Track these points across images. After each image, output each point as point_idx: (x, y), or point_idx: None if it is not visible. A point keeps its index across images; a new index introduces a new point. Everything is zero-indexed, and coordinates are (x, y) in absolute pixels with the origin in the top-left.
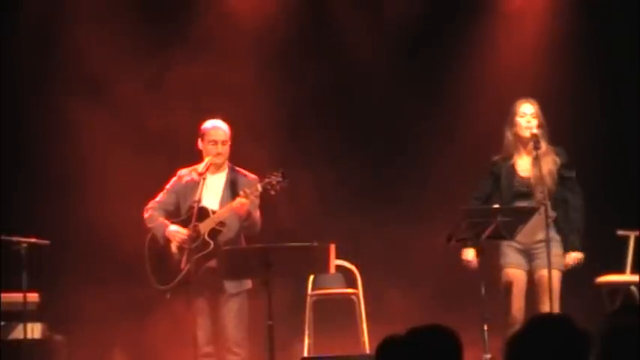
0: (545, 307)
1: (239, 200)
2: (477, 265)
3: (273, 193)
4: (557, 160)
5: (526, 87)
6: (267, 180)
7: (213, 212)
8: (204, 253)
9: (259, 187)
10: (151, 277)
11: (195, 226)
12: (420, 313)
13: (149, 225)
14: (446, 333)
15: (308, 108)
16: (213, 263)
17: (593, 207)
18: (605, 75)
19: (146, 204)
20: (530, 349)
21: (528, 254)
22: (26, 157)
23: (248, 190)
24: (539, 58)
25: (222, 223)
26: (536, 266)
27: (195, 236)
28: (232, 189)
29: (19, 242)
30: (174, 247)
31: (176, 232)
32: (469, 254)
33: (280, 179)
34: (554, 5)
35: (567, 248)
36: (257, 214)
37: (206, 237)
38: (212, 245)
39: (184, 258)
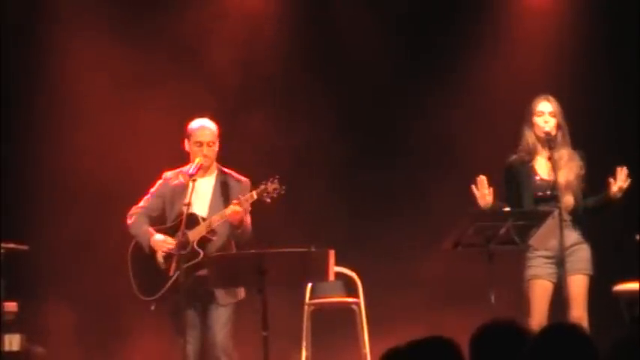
0: (574, 313)
1: (232, 208)
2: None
3: (268, 200)
4: (582, 165)
5: (528, 89)
6: (262, 187)
7: (204, 219)
8: (192, 262)
9: (254, 194)
10: (134, 287)
11: (184, 233)
12: (424, 323)
13: (133, 232)
14: (447, 345)
15: (306, 110)
16: (203, 272)
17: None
18: (629, 73)
19: (129, 209)
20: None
21: (560, 261)
22: (4, 162)
23: (242, 197)
24: (544, 59)
25: (213, 232)
26: (565, 271)
27: (185, 243)
28: (224, 193)
29: None
30: (160, 257)
31: (162, 241)
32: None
33: (277, 186)
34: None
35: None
36: (248, 219)
37: (195, 246)
38: (201, 255)
39: (173, 266)
